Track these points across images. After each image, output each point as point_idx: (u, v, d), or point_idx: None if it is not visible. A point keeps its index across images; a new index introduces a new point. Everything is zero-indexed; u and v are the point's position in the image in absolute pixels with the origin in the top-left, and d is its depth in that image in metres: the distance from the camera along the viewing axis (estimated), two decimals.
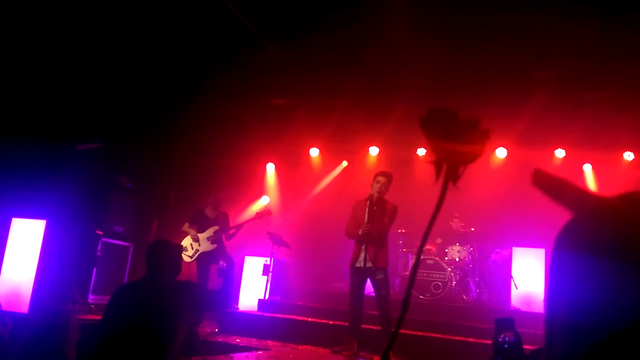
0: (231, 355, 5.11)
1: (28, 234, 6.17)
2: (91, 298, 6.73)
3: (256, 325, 6.53)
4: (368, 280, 5.63)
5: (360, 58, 7.78)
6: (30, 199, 6.52)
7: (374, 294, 5.79)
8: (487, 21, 6.70)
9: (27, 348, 3.32)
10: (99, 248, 6.97)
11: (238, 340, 6.03)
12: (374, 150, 9.61)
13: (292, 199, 9.94)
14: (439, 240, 8.06)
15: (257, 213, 7.25)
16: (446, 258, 7.73)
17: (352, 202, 5.84)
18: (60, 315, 3.62)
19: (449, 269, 7.40)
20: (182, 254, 6.91)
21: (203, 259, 6.87)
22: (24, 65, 6.94)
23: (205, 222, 7.02)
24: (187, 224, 7.07)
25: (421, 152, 9.32)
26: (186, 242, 7.01)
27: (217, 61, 8.14)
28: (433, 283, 7.35)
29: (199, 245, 6.92)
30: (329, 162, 10.04)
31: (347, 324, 5.58)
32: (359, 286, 5.53)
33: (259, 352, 5.38)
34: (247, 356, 5.08)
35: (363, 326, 5.51)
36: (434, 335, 5.93)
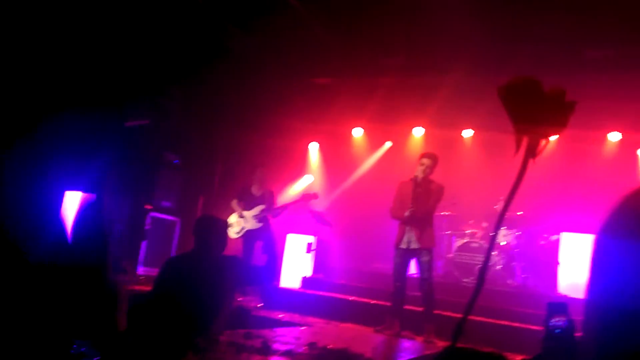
0: (275, 329, 5.18)
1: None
2: (140, 270, 6.94)
3: (299, 302, 6.61)
4: (411, 261, 5.60)
5: (404, 35, 7.61)
6: (82, 173, 6.73)
7: (416, 275, 5.76)
8: None
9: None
10: (148, 222, 7.15)
11: (281, 315, 6.11)
12: (418, 131, 9.46)
13: (335, 178, 9.93)
14: (484, 224, 7.91)
15: (303, 195, 7.27)
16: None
17: (396, 183, 5.78)
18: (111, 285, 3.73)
19: (494, 252, 7.27)
20: (229, 230, 7.04)
21: (249, 236, 6.97)
22: (73, 41, 7.09)
23: (252, 199, 7.10)
24: (235, 200, 7.16)
25: (467, 133, 9.11)
26: (233, 218, 7.11)
27: (263, 39, 8.13)
28: (477, 267, 7.24)
29: (246, 222, 7.01)
30: (373, 142, 9.96)
31: (389, 304, 5.59)
32: (402, 267, 5.52)
33: (302, 328, 5.44)
34: (290, 331, 5.14)
35: (405, 307, 5.50)
36: (478, 318, 5.85)
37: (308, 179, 9.93)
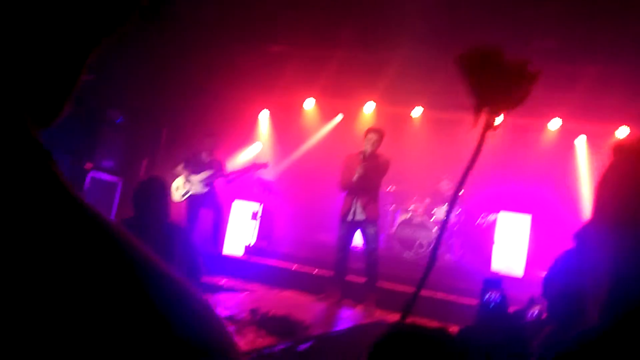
0: (216, 295, 5.16)
1: None
2: None
3: (241, 269, 6.61)
4: (355, 234, 5.68)
5: (357, 6, 7.55)
6: None
7: (358, 248, 5.86)
8: None
9: None
10: (87, 182, 6.90)
11: (223, 281, 6.09)
12: (369, 106, 9.51)
13: (285, 148, 9.88)
14: (427, 201, 8.11)
15: (254, 164, 7.22)
16: (433, 218, 7.81)
17: (345, 157, 5.81)
18: None
19: (435, 228, 7.48)
20: (173, 193, 6.91)
21: (194, 200, 6.88)
22: None
23: (200, 165, 7.00)
24: (182, 165, 7.04)
25: (416, 111, 9.24)
26: (179, 181, 7.00)
27: (214, 2, 7.87)
28: (418, 241, 7.44)
29: (192, 186, 6.90)
30: (324, 114, 9.94)
31: (331, 273, 5.67)
32: (347, 238, 5.61)
33: (244, 294, 5.45)
34: (231, 297, 5.14)
35: (347, 278, 5.60)
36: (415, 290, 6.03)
37: (257, 147, 9.83)
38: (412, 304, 1.19)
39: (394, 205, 8.28)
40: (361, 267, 5.66)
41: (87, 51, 0.49)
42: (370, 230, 5.50)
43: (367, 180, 5.51)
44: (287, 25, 8.19)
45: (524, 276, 7.02)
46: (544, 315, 2.82)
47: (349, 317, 5.17)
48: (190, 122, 9.03)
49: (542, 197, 7.88)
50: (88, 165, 6.97)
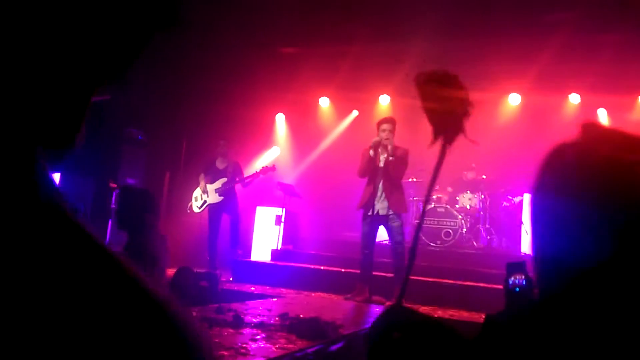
0: (246, 302, 5.23)
1: None
2: None
3: (269, 274, 6.67)
4: (379, 228, 5.69)
5: (369, 1, 7.54)
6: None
7: (384, 242, 5.85)
8: None
9: None
10: (114, 200, 7.05)
11: (252, 288, 6.17)
12: (384, 99, 9.47)
13: (303, 149, 9.92)
14: (449, 189, 8.07)
15: (262, 168, 7.26)
16: (457, 206, 7.76)
17: (363, 148, 5.80)
18: None
19: (460, 216, 7.44)
20: (193, 204, 7.03)
21: (213, 209, 6.98)
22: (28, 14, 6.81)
23: (215, 173, 7.09)
24: (202, 175, 7.14)
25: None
26: (196, 192, 7.11)
27: (225, 8, 7.94)
28: (444, 231, 7.41)
29: (207, 196, 7.00)
30: (340, 111, 9.94)
31: (358, 271, 5.68)
32: (371, 234, 5.61)
33: (273, 300, 5.51)
34: (261, 303, 5.20)
35: (374, 273, 5.61)
36: (445, 280, 6.02)
37: (275, 151, 9.90)
38: (404, 290, 1.24)
39: (416, 196, 8.26)
40: (388, 262, 5.66)
41: (93, 86, 0.50)
42: (396, 223, 5.49)
43: (388, 172, 5.51)
44: (298, 26, 8.23)
45: None
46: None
47: (379, 313, 5.18)
48: (209, 131, 9.14)
49: None
50: (112, 184, 7.14)
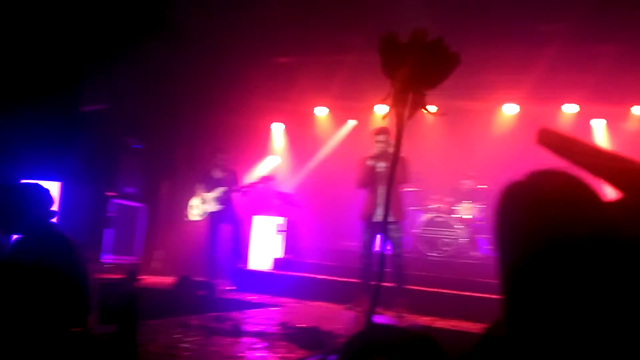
0: (245, 311, 5.20)
1: None
2: (107, 258, 6.84)
3: (269, 284, 6.66)
4: (377, 237, 5.68)
5: (366, 10, 7.58)
6: (41, 162, 6.52)
7: (382, 250, 5.83)
8: None
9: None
10: (111, 209, 7.03)
11: (252, 297, 6.13)
12: (382, 109, 9.49)
13: (301, 158, 9.91)
14: (448, 199, 8.06)
15: (261, 178, 7.28)
16: (456, 215, 7.76)
17: (359, 159, 5.82)
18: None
19: (459, 226, 7.45)
20: (189, 212, 7.04)
21: (212, 218, 6.98)
22: (22, 25, 6.81)
23: (213, 182, 7.09)
24: (199, 184, 7.18)
25: (430, 108, 9.19)
26: (194, 201, 7.11)
27: (221, 17, 7.97)
28: (443, 240, 7.40)
29: (207, 204, 7.00)
30: (337, 121, 9.96)
31: (358, 280, 5.66)
32: (370, 242, 5.60)
33: (273, 309, 5.48)
34: (261, 312, 5.18)
35: (374, 283, 5.58)
36: (445, 291, 6.01)
37: (273, 161, 9.89)
38: (376, 299, 1.25)
39: (415, 206, 8.25)
40: (388, 272, 5.64)
41: None
42: (394, 233, 5.50)
43: (388, 180, 5.50)
44: (294, 35, 8.26)
45: None
46: None
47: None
48: (205, 140, 9.13)
49: None
50: (111, 193, 7.11)
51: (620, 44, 7.31)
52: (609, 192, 0.90)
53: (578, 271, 0.73)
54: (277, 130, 10.25)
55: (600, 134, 8.65)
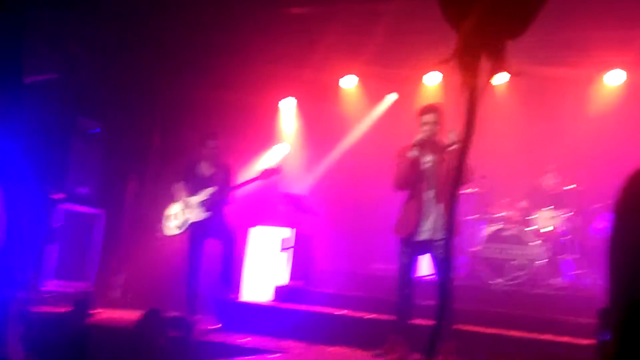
0: (236, 359, 5.27)
1: None
2: (50, 285, 6.99)
3: (269, 321, 6.72)
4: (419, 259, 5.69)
5: None
6: None
7: (427, 278, 5.82)
8: None
9: None
10: (57, 217, 7.17)
11: (245, 340, 6.20)
12: (433, 78, 9.45)
13: (319, 147, 9.96)
14: (523, 204, 8.01)
15: (264, 171, 7.24)
16: (534, 227, 7.71)
17: (398, 149, 5.81)
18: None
19: (536, 242, 7.40)
20: (168, 224, 7.07)
21: (195, 230, 6.98)
22: None
23: (199, 181, 7.09)
24: (180, 184, 7.14)
25: (501, 78, 9.13)
26: (173, 209, 7.12)
27: None
28: (511, 262, 7.36)
29: (190, 212, 7.00)
30: (371, 95, 9.97)
31: (393, 318, 5.68)
32: (410, 266, 5.61)
33: (273, 356, 5.53)
34: None
35: (414, 321, 5.60)
36: (511, 333, 5.98)
37: (282, 149, 9.94)
38: (435, 343, 1.25)
39: (476, 214, 8.22)
40: (432, 305, 5.64)
41: None
42: (444, 252, 5.48)
43: (437, 182, 5.50)
44: None
45: None
46: None
47: None
48: (188, 122, 9.21)
49: None
50: (58, 195, 7.25)
51: None
52: None
53: None
54: (288, 108, 10.32)
55: None
